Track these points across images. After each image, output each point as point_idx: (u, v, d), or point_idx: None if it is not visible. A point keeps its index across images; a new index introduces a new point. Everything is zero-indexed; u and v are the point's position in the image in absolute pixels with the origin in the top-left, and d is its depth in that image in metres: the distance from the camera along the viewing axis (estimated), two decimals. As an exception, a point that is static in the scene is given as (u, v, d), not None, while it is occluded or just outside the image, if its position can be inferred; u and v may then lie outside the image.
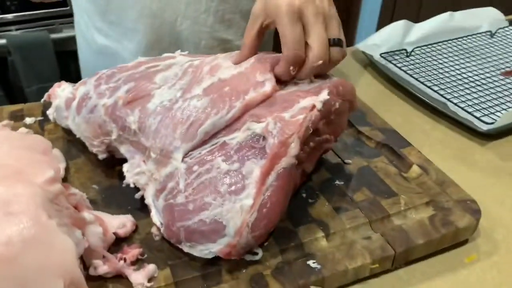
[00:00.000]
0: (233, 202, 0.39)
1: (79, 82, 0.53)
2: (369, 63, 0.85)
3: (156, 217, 0.42)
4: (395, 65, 0.82)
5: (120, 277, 0.41)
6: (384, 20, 1.96)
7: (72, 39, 0.91)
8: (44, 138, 0.43)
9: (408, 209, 0.51)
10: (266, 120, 0.42)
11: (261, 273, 0.42)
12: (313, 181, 0.54)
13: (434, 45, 0.90)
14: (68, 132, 0.58)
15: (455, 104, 0.72)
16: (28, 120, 0.59)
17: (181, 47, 0.68)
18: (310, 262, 0.44)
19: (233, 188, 0.39)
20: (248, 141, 0.42)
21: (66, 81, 0.57)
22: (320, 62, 0.46)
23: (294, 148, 0.41)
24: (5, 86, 1.36)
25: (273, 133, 0.41)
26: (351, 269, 0.44)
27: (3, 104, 1.34)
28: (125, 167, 0.47)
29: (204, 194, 0.39)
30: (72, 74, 1.22)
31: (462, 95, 0.74)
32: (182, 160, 0.42)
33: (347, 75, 0.82)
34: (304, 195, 0.52)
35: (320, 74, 0.49)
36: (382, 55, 0.85)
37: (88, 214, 0.41)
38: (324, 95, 0.44)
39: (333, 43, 0.47)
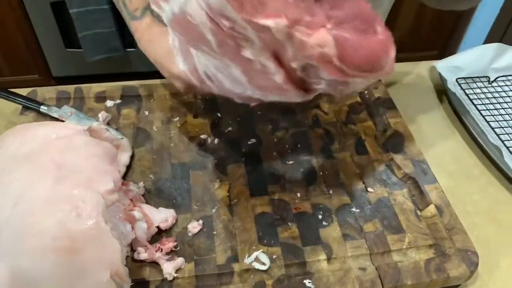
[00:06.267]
0: None
1: None
2: (442, 87, 0.81)
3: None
4: (467, 94, 0.79)
5: (156, 263, 0.53)
6: (494, 35, 1.81)
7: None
8: (112, 147, 0.54)
9: (410, 248, 0.56)
10: None
11: (264, 282, 0.52)
12: (332, 204, 0.61)
13: None
14: (139, 119, 0.70)
15: (512, 154, 0.69)
16: (109, 103, 0.71)
17: None
18: (307, 281, 0.52)
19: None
20: None
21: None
22: None
23: None
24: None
25: None
26: (339, 294, 0.52)
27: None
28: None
29: None
30: None
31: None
32: None
33: (414, 94, 0.81)
34: (320, 216, 0.59)
35: None
36: (459, 80, 0.81)
37: (137, 213, 0.53)
38: None
39: None
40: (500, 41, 0.85)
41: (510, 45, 0.85)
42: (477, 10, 1.89)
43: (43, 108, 0.69)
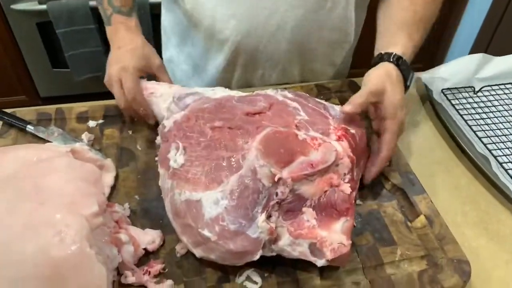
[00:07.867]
0: None
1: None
2: (428, 97, 0.81)
3: None
4: (452, 105, 0.79)
5: (144, 286, 0.51)
6: (479, 46, 1.82)
7: None
8: (96, 168, 0.53)
9: (402, 260, 0.56)
10: None
11: (256, 301, 0.51)
12: (322, 218, 0.60)
13: (508, 85, 0.83)
14: (122, 139, 0.68)
15: (500, 163, 0.69)
16: (91, 124, 0.70)
17: None
18: (300, 299, 0.51)
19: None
20: None
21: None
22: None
23: None
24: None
25: None
26: (333, 311, 0.51)
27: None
28: None
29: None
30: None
31: (515, 154, 0.69)
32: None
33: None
34: (310, 231, 0.58)
35: None
36: (444, 90, 0.81)
37: (124, 235, 0.51)
38: None
39: None
40: (485, 51, 0.84)
41: (495, 55, 0.85)
42: (461, 23, 1.92)
43: (29, 128, 0.67)
